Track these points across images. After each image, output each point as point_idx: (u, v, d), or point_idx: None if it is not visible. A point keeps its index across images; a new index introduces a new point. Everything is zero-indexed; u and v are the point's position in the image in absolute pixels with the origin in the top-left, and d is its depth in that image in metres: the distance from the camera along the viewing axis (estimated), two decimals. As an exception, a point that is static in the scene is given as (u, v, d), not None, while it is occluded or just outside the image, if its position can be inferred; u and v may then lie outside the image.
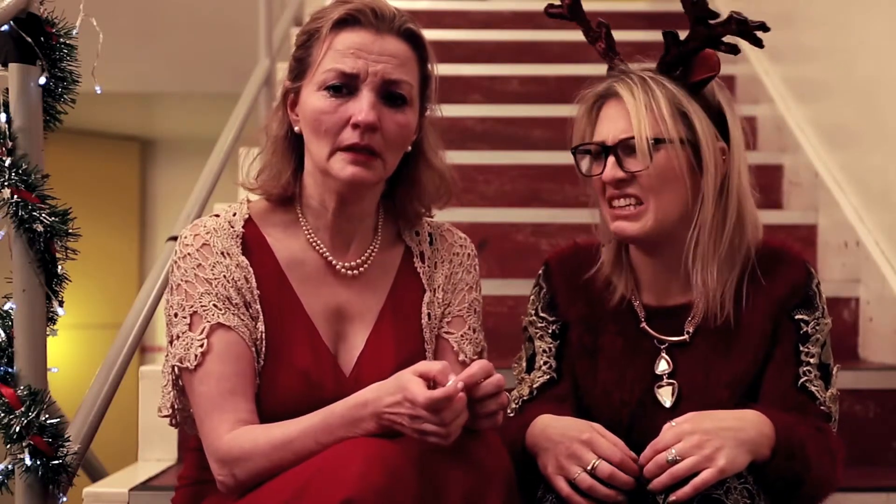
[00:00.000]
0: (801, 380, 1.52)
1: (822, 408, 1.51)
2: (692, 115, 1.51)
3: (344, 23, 1.45)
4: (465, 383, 1.26)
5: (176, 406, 1.48)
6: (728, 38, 1.52)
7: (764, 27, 1.49)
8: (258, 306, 1.46)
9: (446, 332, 1.55)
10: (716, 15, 1.50)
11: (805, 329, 1.54)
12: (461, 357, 1.53)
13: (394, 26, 1.46)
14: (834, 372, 1.56)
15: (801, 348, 1.53)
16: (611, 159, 1.53)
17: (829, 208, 2.80)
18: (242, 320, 1.44)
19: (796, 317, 1.55)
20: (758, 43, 1.51)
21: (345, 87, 1.44)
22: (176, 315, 1.44)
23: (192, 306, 1.43)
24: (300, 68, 1.49)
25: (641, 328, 1.58)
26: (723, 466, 1.36)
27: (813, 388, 1.52)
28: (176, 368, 1.44)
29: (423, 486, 1.27)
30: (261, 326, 1.46)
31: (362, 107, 1.42)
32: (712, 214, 1.52)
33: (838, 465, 1.49)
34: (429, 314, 1.54)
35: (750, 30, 1.49)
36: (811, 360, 1.53)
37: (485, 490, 1.31)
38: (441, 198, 1.57)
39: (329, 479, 1.26)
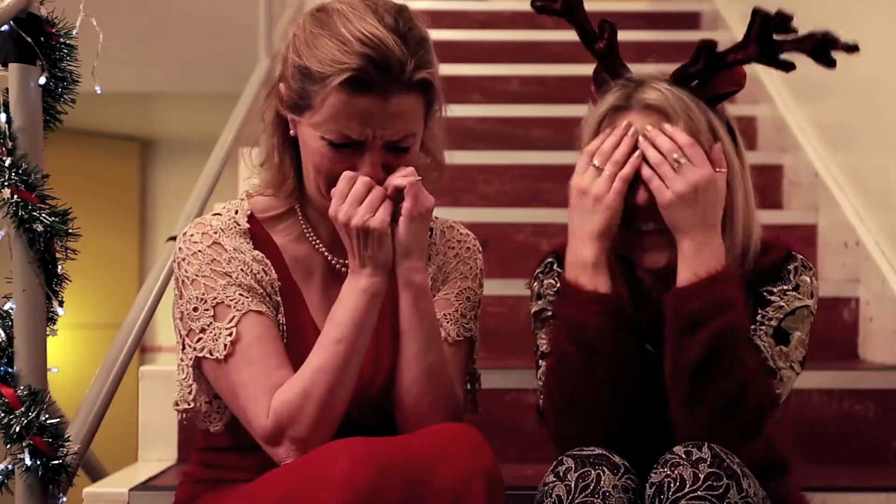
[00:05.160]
0: (749, 334, 1.46)
1: (766, 362, 1.46)
2: (720, 132, 1.47)
3: (350, 84, 1.35)
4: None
5: (197, 399, 1.47)
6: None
7: (853, 48, 1.39)
8: (278, 298, 1.47)
9: None
10: (792, 31, 1.41)
11: (768, 297, 1.49)
12: (443, 334, 1.50)
13: (403, 80, 1.36)
14: (794, 342, 1.49)
15: (759, 311, 1.49)
16: None
17: (829, 208, 2.80)
18: (269, 308, 1.45)
19: (763, 289, 1.50)
20: (831, 64, 1.40)
21: (348, 145, 1.40)
22: (196, 309, 1.43)
23: (215, 298, 1.43)
24: (299, 103, 1.41)
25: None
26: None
27: (759, 343, 1.47)
28: (200, 361, 1.43)
29: (409, 483, 1.28)
30: (282, 318, 1.47)
31: (366, 168, 1.39)
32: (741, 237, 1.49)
33: (767, 404, 1.43)
34: None
35: (833, 49, 1.39)
36: (767, 322, 1.48)
37: (468, 487, 1.31)
38: (430, 174, 1.53)
39: (317, 482, 1.26)
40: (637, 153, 1.45)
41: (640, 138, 1.45)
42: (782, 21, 1.42)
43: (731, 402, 1.40)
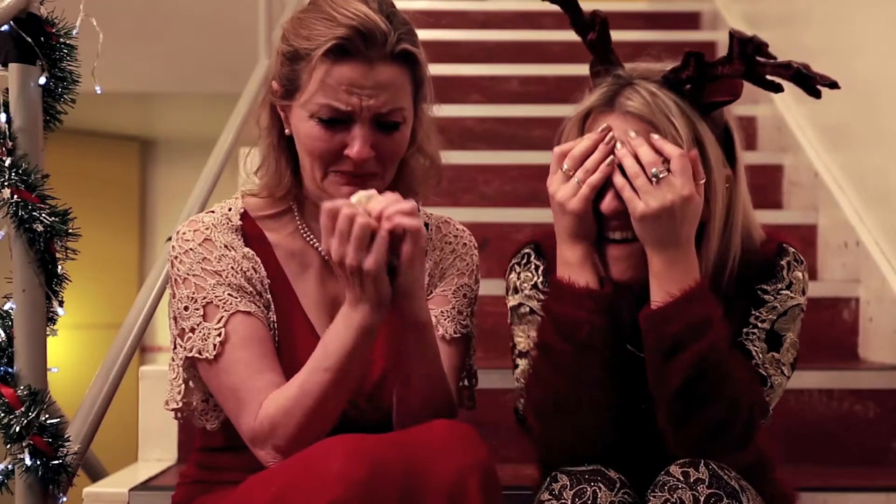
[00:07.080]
0: (740, 338, 1.45)
1: (758, 369, 1.44)
2: (706, 142, 1.42)
3: (334, 53, 1.39)
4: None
5: (185, 400, 1.47)
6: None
7: (833, 84, 1.36)
8: (269, 296, 1.47)
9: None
10: (770, 57, 1.38)
11: (762, 297, 1.47)
12: (440, 331, 1.50)
13: (385, 52, 1.40)
14: (786, 344, 1.46)
15: (753, 312, 1.46)
16: None
17: (829, 208, 2.80)
18: (258, 307, 1.45)
19: (757, 287, 1.47)
20: (815, 93, 1.38)
21: (337, 120, 1.41)
22: (187, 308, 1.43)
23: (204, 297, 1.43)
24: (289, 87, 1.44)
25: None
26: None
27: (751, 348, 1.45)
28: (192, 361, 1.43)
29: (404, 479, 1.28)
30: (273, 316, 1.46)
31: (356, 142, 1.40)
32: (717, 251, 1.44)
33: (757, 411, 1.41)
34: None
35: (812, 83, 1.36)
36: (759, 325, 1.46)
37: (465, 483, 1.30)
38: (429, 180, 1.54)
39: (311, 478, 1.26)
40: (609, 160, 1.39)
41: (619, 145, 1.39)
42: (758, 47, 1.38)
43: (720, 423, 1.37)
